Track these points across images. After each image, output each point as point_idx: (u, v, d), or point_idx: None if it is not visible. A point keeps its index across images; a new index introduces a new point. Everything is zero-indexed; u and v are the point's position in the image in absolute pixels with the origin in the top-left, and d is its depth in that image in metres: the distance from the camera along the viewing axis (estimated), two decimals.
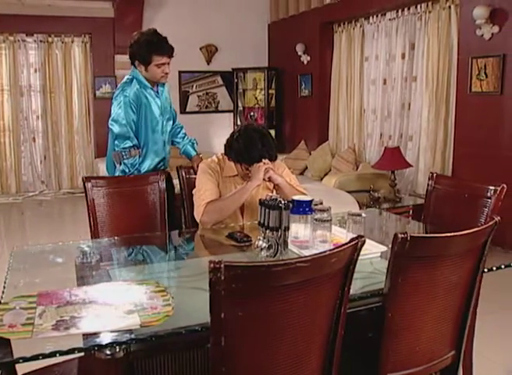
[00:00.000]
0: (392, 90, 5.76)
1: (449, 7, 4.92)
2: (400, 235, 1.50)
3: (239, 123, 7.98)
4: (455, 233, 1.55)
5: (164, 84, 3.21)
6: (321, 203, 2.19)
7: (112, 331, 1.46)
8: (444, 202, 2.65)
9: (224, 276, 1.28)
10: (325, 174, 6.01)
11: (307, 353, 1.50)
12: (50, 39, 6.75)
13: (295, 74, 7.20)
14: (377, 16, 5.89)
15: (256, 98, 7.79)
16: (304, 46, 6.86)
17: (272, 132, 7.80)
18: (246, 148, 2.46)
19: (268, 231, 1.94)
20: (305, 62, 6.93)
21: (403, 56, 5.59)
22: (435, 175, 2.71)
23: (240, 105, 7.97)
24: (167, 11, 7.24)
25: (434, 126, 5.18)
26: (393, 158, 4.81)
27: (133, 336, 1.43)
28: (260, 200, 2.00)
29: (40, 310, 1.60)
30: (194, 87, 7.79)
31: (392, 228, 2.71)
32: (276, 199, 1.94)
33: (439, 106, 5.09)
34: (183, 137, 3.35)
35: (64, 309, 1.60)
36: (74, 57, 6.95)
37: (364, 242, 1.46)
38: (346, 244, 1.42)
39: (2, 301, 1.67)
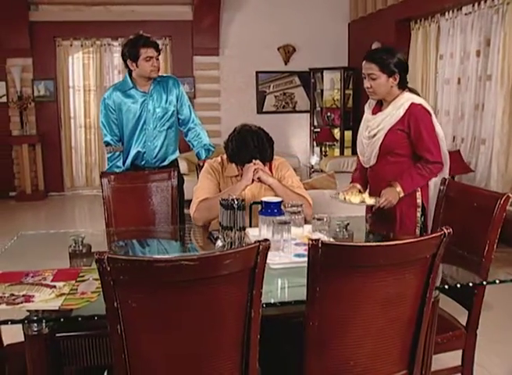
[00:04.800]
0: (466, 90, 5.37)
1: None
2: (310, 241, 1.42)
3: (315, 123, 7.91)
4: (378, 244, 1.45)
5: (162, 83, 3.35)
6: (298, 206, 2.14)
7: (30, 310, 1.58)
8: (454, 210, 2.44)
9: (109, 267, 1.33)
10: None
11: (216, 353, 1.49)
12: None
13: None
14: (453, 11, 5.53)
15: (333, 99, 7.66)
16: (379, 45, 6.61)
17: (349, 133, 7.61)
18: (238, 149, 2.47)
19: (223, 231, 1.93)
20: None
21: (477, 53, 5.19)
22: (447, 180, 2.51)
23: (317, 105, 7.89)
24: (245, 12, 7.36)
25: (508, 128, 4.76)
26: (453, 163, 4.45)
27: (45, 315, 1.56)
28: (220, 200, 2.00)
29: None
30: (271, 87, 7.83)
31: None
32: (233, 199, 1.93)
33: None
34: (197, 141, 3.48)
35: (11, 288, 1.73)
36: None
37: (267, 246, 1.41)
38: (244, 246, 1.39)
39: None
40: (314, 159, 7.82)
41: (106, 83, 7.22)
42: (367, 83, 2.57)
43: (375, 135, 2.60)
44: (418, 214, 2.55)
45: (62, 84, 7.16)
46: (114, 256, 1.32)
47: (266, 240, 1.41)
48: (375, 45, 6.64)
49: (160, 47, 3.31)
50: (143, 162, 3.42)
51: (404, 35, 6.31)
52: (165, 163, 3.43)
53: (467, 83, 5.35)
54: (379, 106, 2.67)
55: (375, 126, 2.60)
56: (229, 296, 1.43)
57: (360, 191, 2.68)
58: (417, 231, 2.54)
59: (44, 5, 6.90)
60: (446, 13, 5.63)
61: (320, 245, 1.42)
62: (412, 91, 2.62)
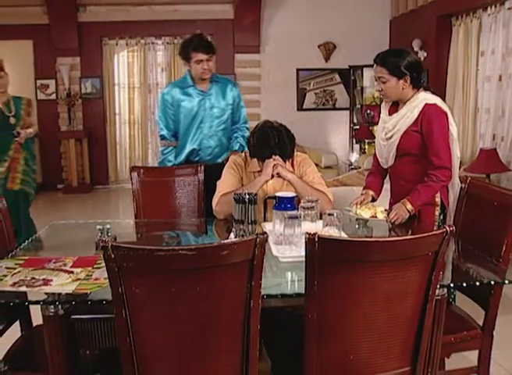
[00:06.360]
0: (508, 87, 5.22)
1: None
2: (307, 235, 1.47)
3: (355, 120, 7.86)
4: (375, 239, 1.47)
5: (221, 85, 3.43)
6: (313, 201, 2.19)
7: (48, 293, 1.70)
8: (474, 209, 2.42)
9: (113, 254, 1.42)
10: None
11: (217, 341, 1.55)
12: (176, 41, 7.30)
13: None
14: (495, 6, 5.37)
15: (373, 96, 7.58)
16: (420, 42, 6.52)
17: None
18: (258, 145, 2.53)
19: (236, 224, 2.00)
20: (421, 59, 6.57)
21: None
22: (469, 178, 2.48)
23: (357, 102, 7.83)
24: (285, 9, 7.40)
25: None
26: (488, 161, 4.38)
27: (60, 298, 1.68)
28: (233, 194, 2.06)
29: (18, 271, 1.89)
30: (312, 84, 7.85)
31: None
32: (245, 193, 1.99)
33: None
34: (237, 136, 3.53)
35: (33, 272, 1.86)
36: None
37: (265, 239, 1.46)
38: (241, 238, 1.45)
39: None
40: (354, 156, 7.77)
41: (150, 80, 7.47)
42: (378, 87, 2.57)
43: (391, 137, 2.58)
44: (437, 212, 2.54)
45: (108, 82, 7.44)
46: (117, 244, 1.41)
47: (264, 233, 1.47)
48: (415, 43, 6.54)
49: (214, 47, 3.30)
50: (197, 158, 3.46)
51: (445, 32, 6.19)
52: (219, 161, 3.44)
53: (508, 80, 5.20)
54: (396, 106, 2.64)
55: (391, 127, 2.58)
56: (228, 286, 1.50)
57: (373, 198, 2.67)
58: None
59: (91, 5, 7.18)
60: (489, 8, 5.48)
61: (316, 239, 1.46)
62: (427, 89, 2.58)
